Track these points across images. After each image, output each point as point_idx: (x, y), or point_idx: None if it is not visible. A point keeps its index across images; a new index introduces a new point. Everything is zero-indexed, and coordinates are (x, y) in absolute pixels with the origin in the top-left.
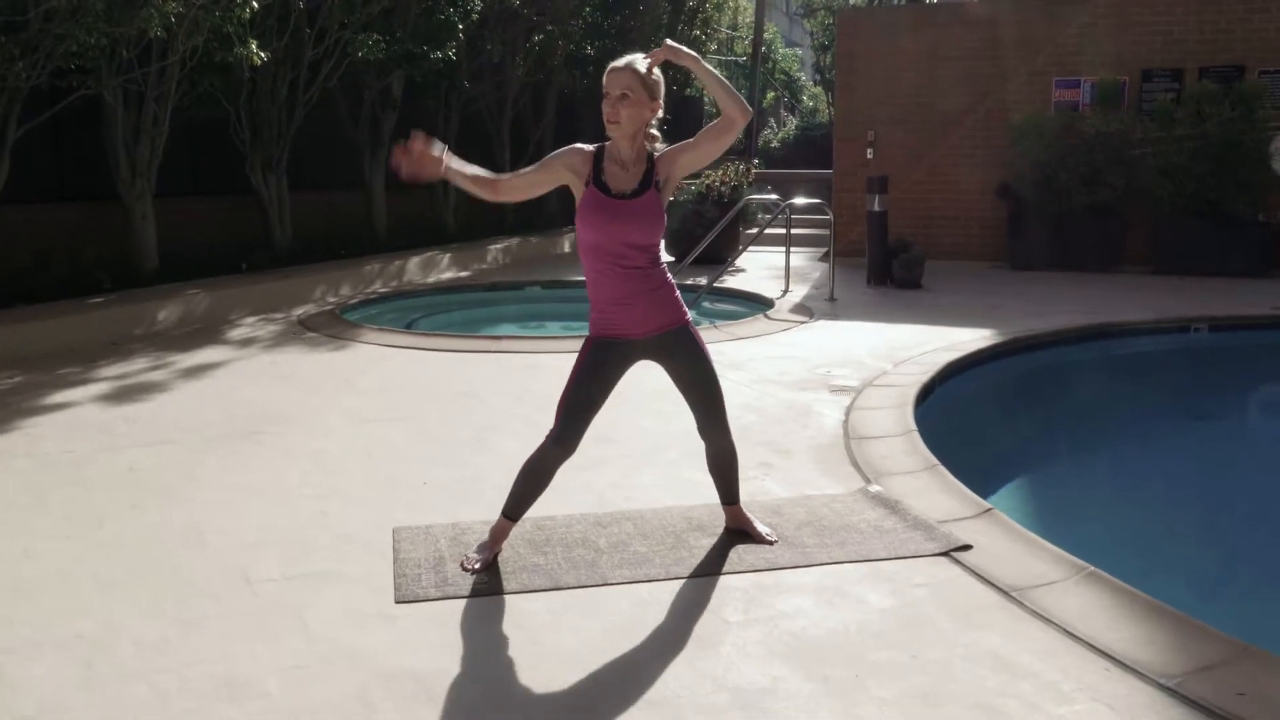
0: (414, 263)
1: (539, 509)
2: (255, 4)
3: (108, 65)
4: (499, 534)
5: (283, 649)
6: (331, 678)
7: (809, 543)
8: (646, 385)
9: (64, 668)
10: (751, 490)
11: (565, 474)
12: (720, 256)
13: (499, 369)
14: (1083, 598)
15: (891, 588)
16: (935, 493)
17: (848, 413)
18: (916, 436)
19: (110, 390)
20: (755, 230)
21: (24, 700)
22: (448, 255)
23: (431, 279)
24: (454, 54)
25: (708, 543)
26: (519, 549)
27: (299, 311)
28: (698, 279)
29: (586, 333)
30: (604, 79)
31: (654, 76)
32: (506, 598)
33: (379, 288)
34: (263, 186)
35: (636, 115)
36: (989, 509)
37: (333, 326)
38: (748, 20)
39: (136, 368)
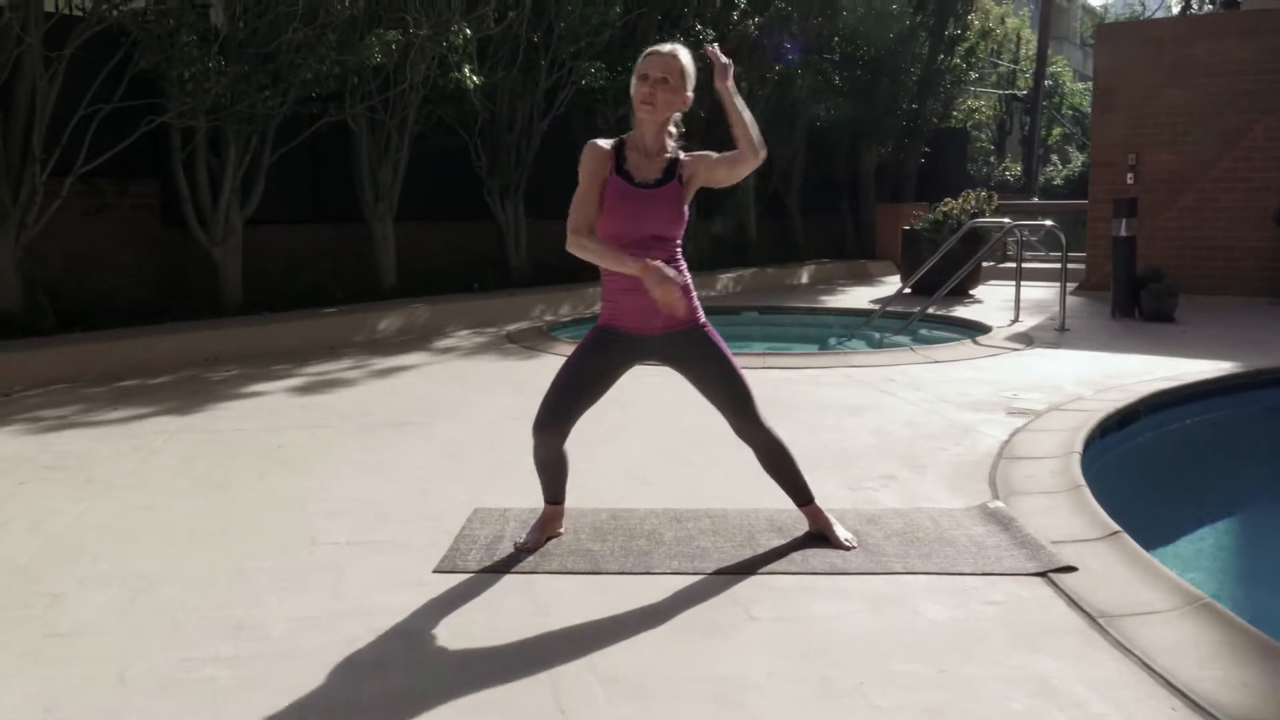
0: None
1: (624, 500)
2: (468, 31)
3: (351, 94)
4: (548, 518)
5: (304, 601)
6: (331, 628)
7: (889, 551)
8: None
9: (113, 599)
10: (858, 500)
11: (669, 469)
12: (960, 288)
13: (665, 380)
14: (1184, 631)
15: (959, 602)
16: (1064, 513)
17: (1013, 434)
18: (1075, 459)
19: (303, 383)
20: (999, 262)
21: (65, 620)
22: None
23: None
24: None
25: (779, 543)
26: (581, 534)
27: (511, 327)
28: (917, 308)
29: (786, 349)
30: (642, 61)
31: (691, 70)
32: (541, 577)
33: (598, 309)
34: (500, 212)
35: (670, 103)
36: (1116, 532)
37: (534, 340)
38: (1031, 52)
39: (337, 367)
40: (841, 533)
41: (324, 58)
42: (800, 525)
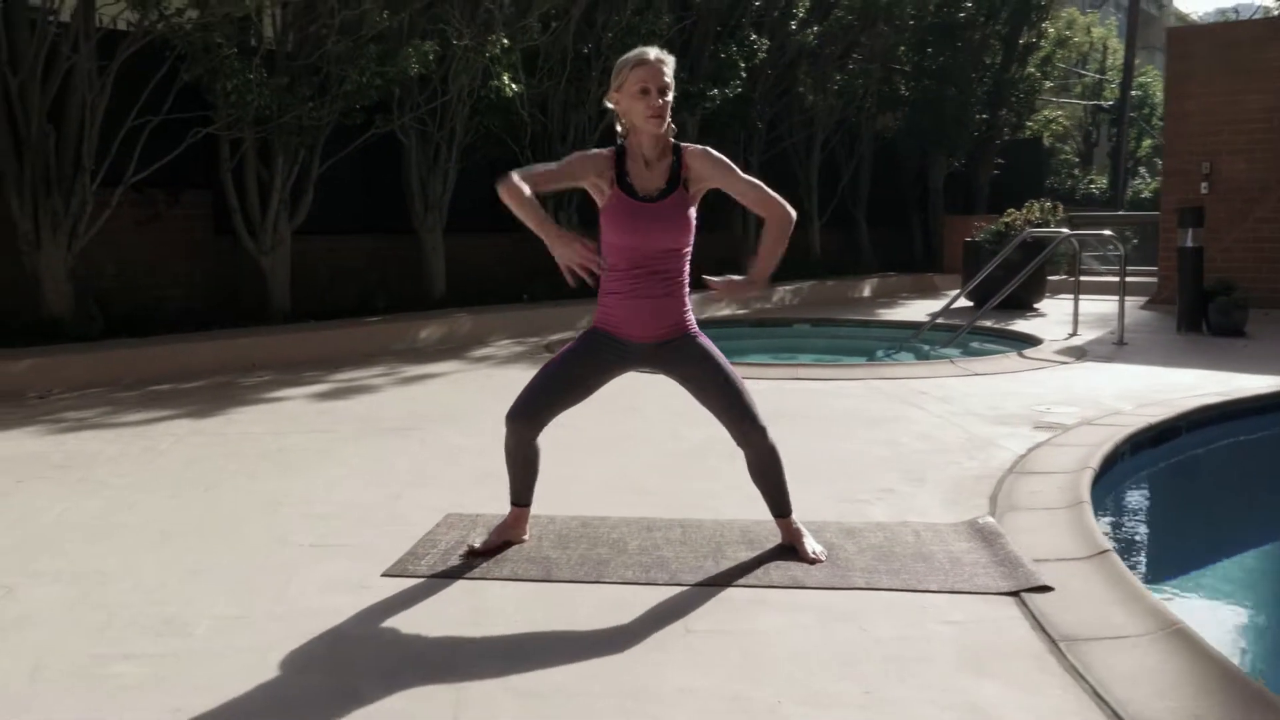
0: (693, 299)
1: (610, 508)
2: (505, 40)
3: (399, 106)
4: (510, 522)
5: (242, 601)
6: (258, 629)
7: (858, 566)
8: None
9: (60, 594)
10: (844, 512)
11: (665, 479)
12: (1023, 301)
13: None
14: (1149, 658)
15: (914, 620)
16: (1058, 531)
17: (1032, 449)
18: (1088, 475)
19: (327, 390)
20: (1069, 275)
21: (6, 612)
22: None
23: (704, 315)
24: (737, 92)
25: (745, 556)
26: (544, 541)
27: (554, 337)
28: (980, 322)
29: (832, 360)
30: (634, 72)
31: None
32: (490, 583)
33: None
34: (561, 223)
35: (669, 108)
36: (1105, 551)
37: None
38: (1119, 62)
39: (367, 374)
40: (810, 545)
41: (364, 69)
42: (774, 538)
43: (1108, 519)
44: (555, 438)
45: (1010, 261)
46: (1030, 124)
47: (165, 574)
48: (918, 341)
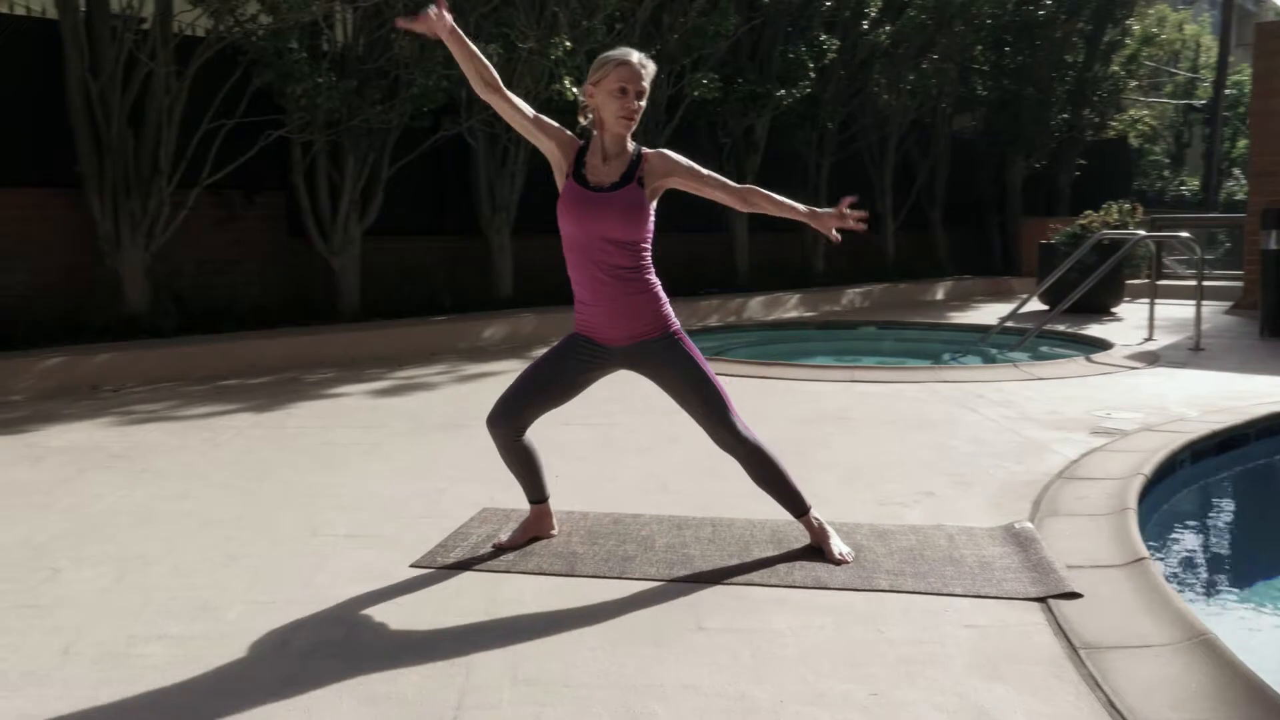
0: (757, 301)
1: (640, 507)
2: (568, 43)
3: (467, 108)
4: (533, 519)
5: (273, 587)
6: (283, 613)
7: (886, 568)
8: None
9: (102, 577)
10: (880, 515)
11: (696, 480)
12: (1099, 305)
13: (748, 390)
14: (1170, 668)
15: (933, 623)
16: (1098, 537)
17: (1086, 454)
18: (1138, 481)
19: (386, 387)
20: (1155, 279)
21: (49, 593)
22: (796, 296)
23: (771, 317)
24: (805, 93)
25: (773, 554)
26: (574, 537)
27: None
28: (1052, 326)
29: (896, 364)
30: (615, 71)
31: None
32: (514, 576)
33: (711, 322)
34: None
35: (641, 112)
36: (1142, 559)
37: None
38: (1213, 60)
39: (427, 372)
40: (837, 547)
41: (430, 72)
42: (803, 538)
43: (1159, 527)
44: (593, 438)
45: (1085, 265)
46: (1114, 124)
47: (203, 560)
48: (985, 345)
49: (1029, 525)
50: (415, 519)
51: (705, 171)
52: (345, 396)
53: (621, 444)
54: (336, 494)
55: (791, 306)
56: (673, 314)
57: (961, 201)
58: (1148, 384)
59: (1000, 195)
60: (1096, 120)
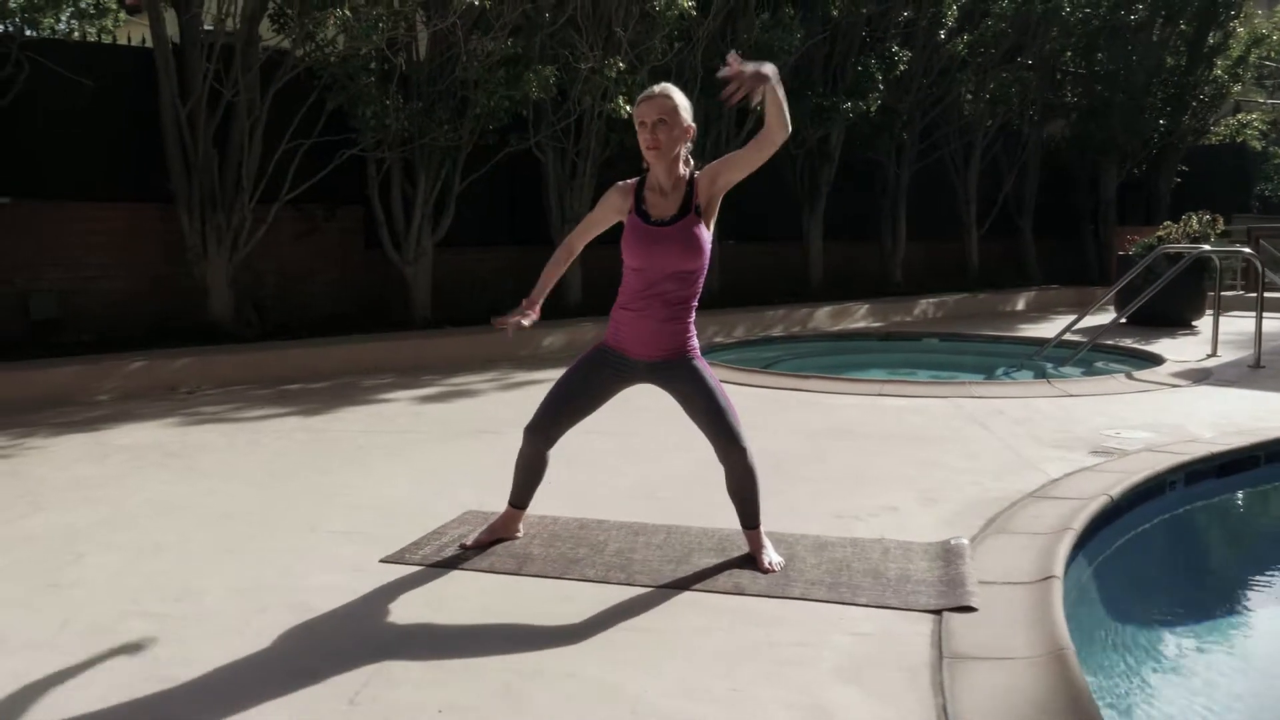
0: (824, 311)
1: (626, 514)
2: (621, 64)
3: (534, 125)
4: (507, 520)
5: (255, 577)
6: (253, 600)
7: (807, 578)
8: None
9: (117, 562)
10: (830, 527)
11: (686, 489)
12: (1177, 318)
13: (767, 403)
14: (1017, 679)
15: (822, 629)
16: (1026, 555)
17: (1070, 473)
18: (1097, 502)
19: (433, 393)
20: (1247, 291)
21: (69, 574)
22: (865, 306)
23: (837, 328)
24: (876, 105)
25: (707, 562)
26: (535, 539)
27: None
28: (1120, 341)
29: (949, 378)
30: (637, 108)
31: (684, 101)
32: (466, 573)
33: (774, 332)
34: None
35: (674, 140)
36: (1051, 577)
37: None
38: None
39: (478, 379)
40: (768, 556)
41: (492, 93)
42: (745, 547)
43: (1106, 548)
44: (608, 446)
45: (1160, 277)
46: (1219, 129)
47: (206, 550)
48: (1040, 359)
49: (963, 541)
50: (407, 519)
51: (736, 153)
52: (392, 402)
53: (632, 452)
54: (347, 494)
55: (860, 317)
56: (696, 339)
57: (1054, 210)
58: (1181, 402)
59: (1095, 203)
60: (1198, 126)
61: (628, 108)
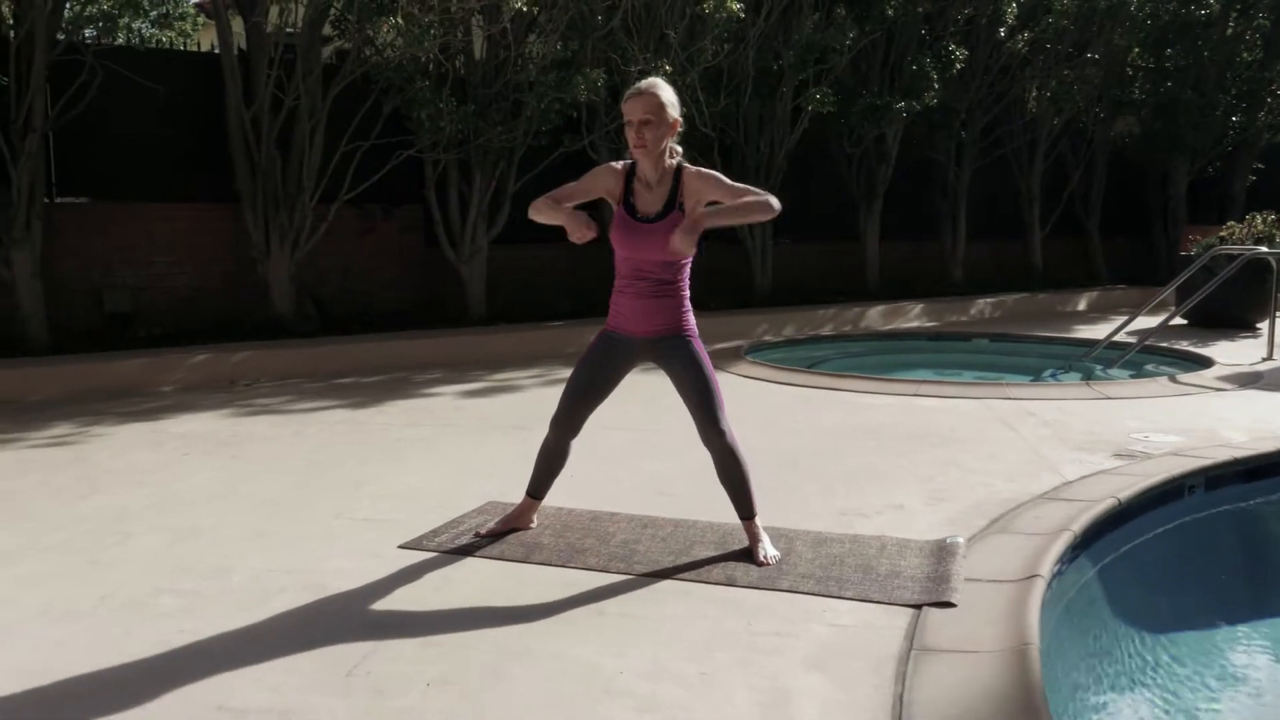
0: (877, 310)
1: (641, 508)
2: (668, 67)
3: (586, 126)
4: (523, 509)
5: (279, 559)
6: (276, 581)
7: (799, 572)
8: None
9: (158, 543)
10: (832, 524)
11: (699, 484)
12: (1240, 320)
13: (800, 402)
14: (978, 673)
15: (802, 620)
16: (1019, 555)
17: (1086, 476)
18: (1106, 505)
19: (477, 388)
20: None
21: (113, 552)
22: (920, 305)
23: (889, 327)
24: (931, 103)
25: (705, 554)
26: (546, 529)
27: (719, 345)
28: (1176, 343)
29: (995, 379)
30: (625, 104)
31: (670, 97)
32: (476, 560)
33: (825, 331)
34: (746, 235)
35: (659, 136)
36: (1035, 576)
37: (721, 359)
38: None
39: (521, 375)
40: (764, 550)
41: (542, 96)
42: (745, 541)
43: (1117, 551)
44: (626, 441)
45: (1228, 281)
46: None
47: (239, 534)
48: (1090, 360)
49: (958, 540)
50: (432, 508)
51: (737, 186)
52: (437, 396)
53: (650, 448)
54: (378, 483)
55: (914, 316)
56: (693, 320)
57: (1125, 208)
58: (1220, 407)
59: (1164, 201)
60: (1275, 122)
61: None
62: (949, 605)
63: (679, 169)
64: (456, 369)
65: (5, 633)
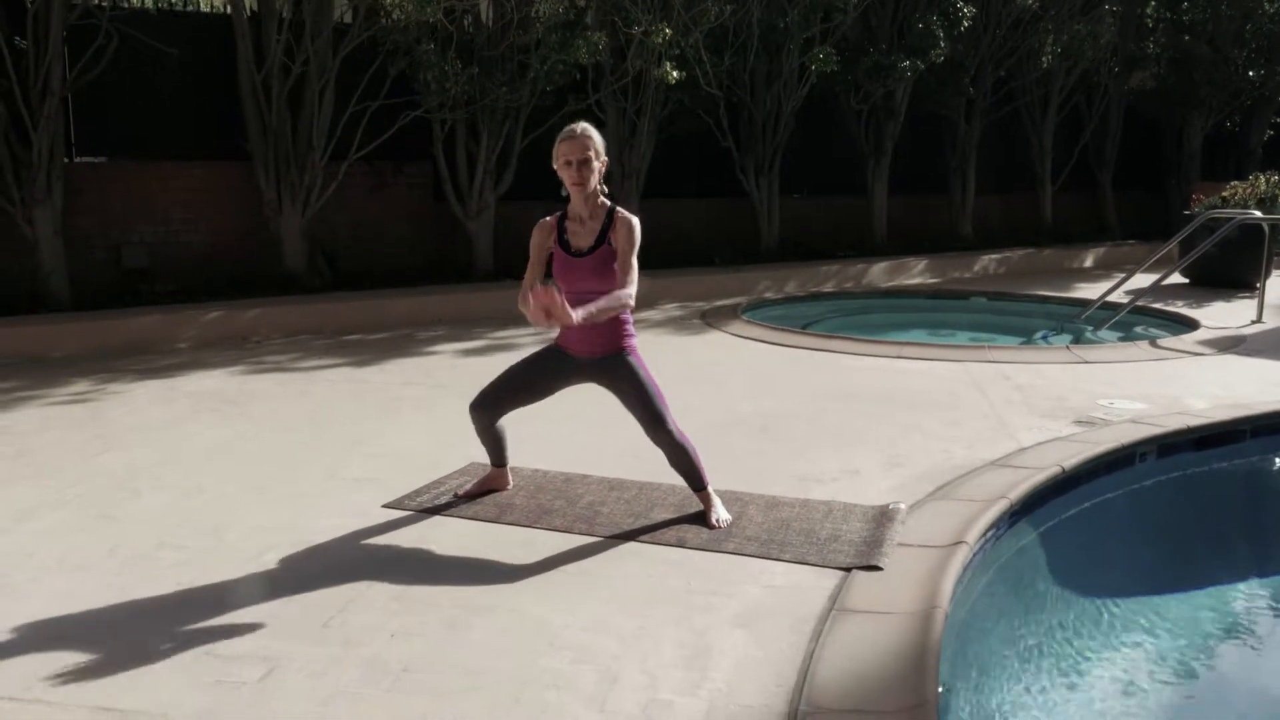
0: (880, 267)
1: (616, 470)
2: (668, 31)
3: (593, 85)
4: (491, 477)
5: (273, 517)
6: (269, 537)
7: (745, 535)
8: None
9: (164, 500)
10: (786, 489)
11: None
12: (1240, 280)
13: (784, 364)
14: (886, 630)
15: (739, 581)
16: (953, 520)
17: (1039, 443)
18: (1049, 472)
19: (477, 346)
20: None
21: (122, 508)
22: (923, 261)
23: (892, 284)
24: (939, 60)
25: (662, 517)
26: (521, 490)
27: (720, 302)
28: (1171, 304)
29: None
30: (560, 146)
31: (599, 138)
32: (452, 519)
33: (827, 288)
34: (754, 189)
35: (595, 173)
36: (961, 543)
37: (720, 318)
38: None
39: (520, 334)
40: (717, 514)
41: (545, 58)
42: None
43: (1058, 518)
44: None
45: (1228, 241)
46: None
47: (239, 491)
48: (1081, 322)
49: (900, 506)
50: (418, 468)
51: (631, 253)
52: (437, 354)
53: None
54: (371, 443)
55: (918, 273)
56: (633, 337)
57: (1139, 163)
58: (1193, 372)
59: (1180, 157)
60: None
61: (675, 74)
62: (875, 569)
63: (612, 210)
64: (461, 326)
65: (26, 584)
